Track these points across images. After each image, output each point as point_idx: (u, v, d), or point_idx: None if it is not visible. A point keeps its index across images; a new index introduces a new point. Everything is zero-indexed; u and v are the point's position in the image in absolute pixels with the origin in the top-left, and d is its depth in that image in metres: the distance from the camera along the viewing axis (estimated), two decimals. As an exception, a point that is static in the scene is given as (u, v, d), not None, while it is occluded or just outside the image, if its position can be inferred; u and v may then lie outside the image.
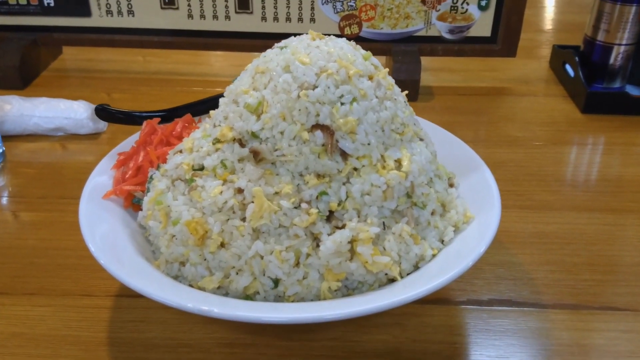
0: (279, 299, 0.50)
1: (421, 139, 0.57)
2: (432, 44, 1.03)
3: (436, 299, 0.61)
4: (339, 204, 0.51)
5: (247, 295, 0.50)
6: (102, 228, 0.55)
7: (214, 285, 0.50)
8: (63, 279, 0.64)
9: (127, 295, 0.62)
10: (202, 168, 0.54)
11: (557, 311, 0.60)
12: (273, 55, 0.54)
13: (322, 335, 0.57)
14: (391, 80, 0.56)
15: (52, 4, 1.03)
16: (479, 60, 1.14)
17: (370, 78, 0.53)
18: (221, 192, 0.51)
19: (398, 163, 0.53)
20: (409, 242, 0.52)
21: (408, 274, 0.52)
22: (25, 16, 1.04)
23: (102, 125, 0.89)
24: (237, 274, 0.50)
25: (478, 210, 0.57)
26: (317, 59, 0.52)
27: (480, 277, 0.64)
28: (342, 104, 0.51)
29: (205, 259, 0.51)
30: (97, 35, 1.05)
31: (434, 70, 1.12)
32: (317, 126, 0.50)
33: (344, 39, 0.57)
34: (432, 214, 0.55)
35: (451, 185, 0.60)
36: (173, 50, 1.12)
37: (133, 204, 0.60)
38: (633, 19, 0.94)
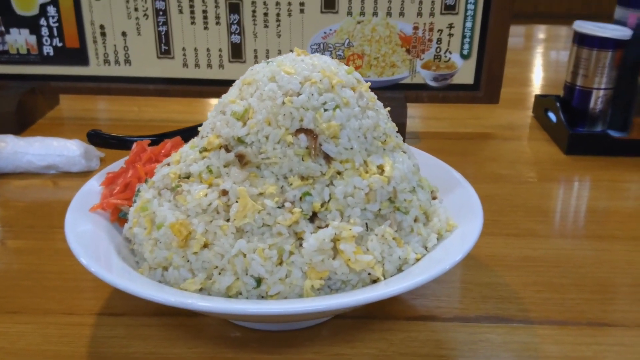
0: (262, 299, 0.50)
1: (404, 152, 0.59)
2: (418, 91, 1.07)
3: (422, 316, 0.61)
4: (322, 205, 0.51)
5: (229, 296, 0.50)
6: (87, 234, 0.55)
7: (196, 287, 0.50)
8: (46, 299, 0.63)
9: (109, 313, 0.61)
10: (188, 176, 0.55)
11: (545, 327, 0.60)
12: (260, 68, 0.56)
13: (306, 349, 0.56)
14: (373, 95, 0.58)
15: (51, 54, 1.07)
16: (463, 109, 1.17)
17: (353, 89, 0.56)
18: (206, 195, 0.52)
19: (381, 169, 0.54)
20: (392, 245, 0.52)
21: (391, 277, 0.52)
22: (25, 65, 1.08)
23: (94, 163, 0.90)
24: (219, 274, 0.50)
25: (461, 221, 0.58)
26: (301, 70, 0.54)
27: (467, 296, 0.64)
28: (325, 110, 0.53)
29: (188, 261, 0.51)
30: (94, 83, 1.09)
31: (420, 118, 1.16)
32: (301, 130, 0.52)
33: (329, 57, 0.59)
34: (415, 220, 0.56)
35: (434, 198, 0.60)
36: (168, 101, 1.16)
37: (119, 218, 0.60)
38: (610, 64, 0.98)
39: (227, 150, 0.53)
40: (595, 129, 1.02)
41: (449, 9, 1.01)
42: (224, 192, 0.51)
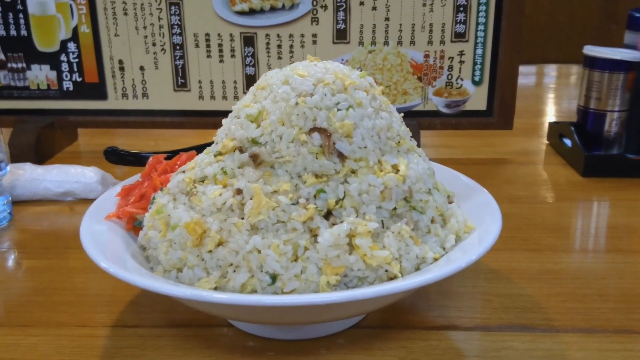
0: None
1: (419, 155, 0.59)
2: (430, 118, 1.07)
3: (442, 326, 0.59)
4: (336, 203, 0.51)
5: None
6: (102, 239, 0.55)
7: (211, 286, 0.49)
8: (59, 313, 0.62)
9: (122, 325, 0.60)
10: (203, 180, 0.55)
11: (570, 334, 0.58)
12: (273, 74, 0.57)
13: (323, 357, 0.55)
14: (386, 99, 0.59)
15: (71, 88, 1.09)
16: (477, 138, 1.17)
17: (366, 92, 0.56)
18: (220, 194, 0.51)
19: (395, 169, 0.54)
20: (409, 242, 0.51)
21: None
22: (44, 100, 1.10)
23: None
24: (234, 271, 0.49)
25: (479, 224, 0.57)
26: (314, 72, 0.55)
27: (488, 307, 0.62)
28: (338, 110, 0.53)
29: (202, 260, 0.50)
30: (112, 117, 1.10)
31: (434, 147, 1.16)
32: (314, 129, 0.52)
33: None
34: (432, 222, 0.55)
35: (450, 203, 0.60)
36: (184, 134, 1.17)
37: (134, 227, 0.60)
38: (622, 86, 0.98)
39: (242, 151, 0.54)
40: (611, 153, 1.01)
41: (459, 36, 1.03)
42: (239, 191, 0.51)
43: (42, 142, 1.07)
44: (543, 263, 0.71)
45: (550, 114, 1.45)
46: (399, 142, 0.56)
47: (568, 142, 1.06)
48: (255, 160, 0.52)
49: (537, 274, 0.69)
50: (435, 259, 0.52)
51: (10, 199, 0.85)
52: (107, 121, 1.11)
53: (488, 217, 0.57)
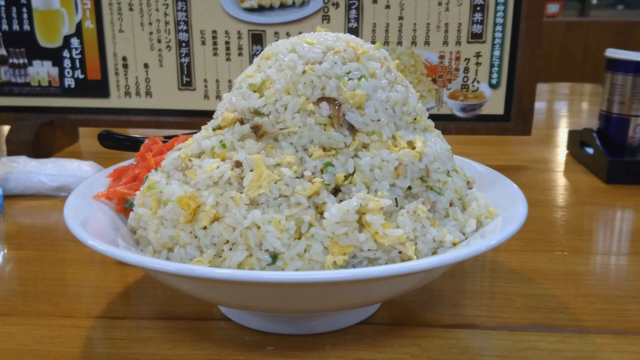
0: (277, 278, 0.44)
1: (437, 136, 0.54)
2: (445, 122, 1.02)
3: (461, 324, 0.54)
4: (346, 178, 0.46)
5: (241, 275, 0.44)
6: (88, 216, 0.50)
7: (205, 265, 0.44)
8: (41, 303, 0.57)
9: (109, 317, 0.55)
10: (200, 155, 0.50)
11: (602, 336, 0.52)
12: (279, 43, 0.53)
13: (328, 352, 0.49)
14: (401, 75, 0.54)
15: (72, 86, 1.06)
16: (493, 146, 1.13)
17: (381, 64, 0.51)
18: (218, 167, 0.47)
19: (411, 146, 0.49)
20: (425, 224, 0.46)
21: (425, 260, 0.46)
22: (45, 97, 1.07)
23: (108, 186, 0.86)
24: (230, 249, 0.44)
25: (502, 209, 0.52)
26: (324, 40, 0.50)
27: (510, 307, 0.57)
28: (349, 79, 0.48)
29: (196, 237, 0.45)
30: (114, 116, 1.07)
31: (449, 154, 1.11)
32: (323, 99, 0.48)
33: (353, 38, 0.56)
34: (451, 205, 0.50)
35: (470, 189, 0.55)
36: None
37: (125, 209, 0.55)
38: (647, 90, 0.93)
39: (242, 123, 0.49)
40: (636, 159, 0.96)
41: (476, 37, 0.99)
42: (238, 164, 0.46)
43: (40, 140, 1.04)
44: (568, 264, 0.66)
45: (567, 126, 1.40)
46: (415, 118, 0.51)
47: (590, 150, 1.01)
48: (257, 131, 0.48)
49: (562, 275, 0.63)
50: (454, 244, 0.47)
51: (1, 191, 0.81)
52: (109, 120, 1.07)
53: (512, 201, 0.52)
